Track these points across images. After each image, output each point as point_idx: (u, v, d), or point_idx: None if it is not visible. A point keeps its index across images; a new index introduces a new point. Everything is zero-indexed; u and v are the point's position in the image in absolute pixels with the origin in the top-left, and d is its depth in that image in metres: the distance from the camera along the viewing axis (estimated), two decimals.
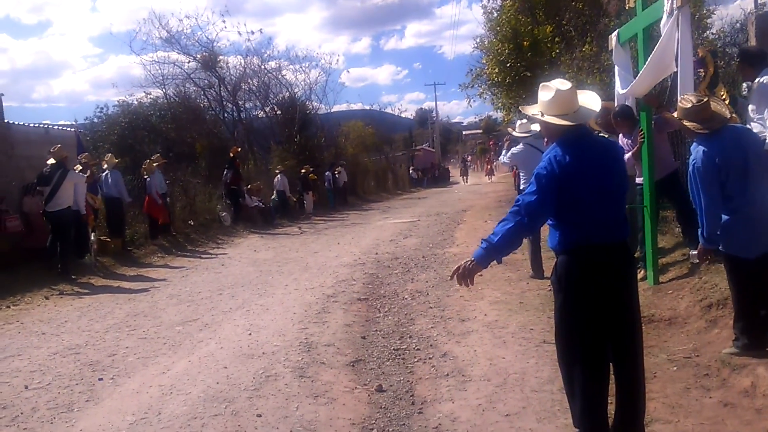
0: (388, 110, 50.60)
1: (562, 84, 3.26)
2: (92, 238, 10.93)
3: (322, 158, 27.05)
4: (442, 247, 11.46)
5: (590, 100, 3.33)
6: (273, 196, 19.83)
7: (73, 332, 6.72)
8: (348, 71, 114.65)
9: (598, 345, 3.17)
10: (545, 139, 5.47)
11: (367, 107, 45.38)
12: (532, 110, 3.45)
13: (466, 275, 3.18)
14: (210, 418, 4.18)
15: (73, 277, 9.73)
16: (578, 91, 3.34)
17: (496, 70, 14.75)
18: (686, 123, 4.32)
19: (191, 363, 5.40)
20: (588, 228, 3.16)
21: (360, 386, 4.75)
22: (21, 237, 10.47)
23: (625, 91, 6.44)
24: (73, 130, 13.33)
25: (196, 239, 14.30)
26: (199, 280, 9.66)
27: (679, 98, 5.12)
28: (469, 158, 66.99)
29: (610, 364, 3.25)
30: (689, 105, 4.30)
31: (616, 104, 6.98)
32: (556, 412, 3.90)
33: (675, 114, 4.59)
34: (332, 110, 33.10)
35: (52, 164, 9.69)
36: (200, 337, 6.25)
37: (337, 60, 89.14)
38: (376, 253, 11.16)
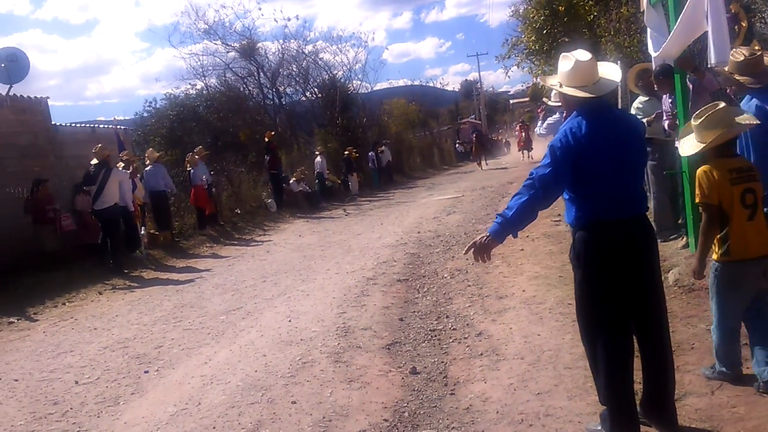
0: (432, 84, 50.19)
1: (582, 55, 3.18)
2: (142, 232, 11.30)
3: (365, 138, 27.08)
4: (484, 222, 11.36)
5: (611, 72, 3.24)
6: (316, 179, 20.01)
7: (123, 326, 6.98)
8: (387, 48, 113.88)
9: (620, 320, 3.12)
10: (564, 111, 5.35)
11: (411, 83, 45.24)
12: (551, 81, 3.38)
13: (482, 251, 3.15)
14: (247, 407, 4.30)
15: (125, 271, 10.10)
16: (599, 63, 3.25)
17: (533, 38, 14.42)
18: (737, 77, 4.13)
19: (232, 352, 5.54)
20: (605, 203, 3.09)
21: (394, 369, 4.80)
22: (75, 234, 10.91)
23: (657, 53, 6.20)
24: (113, 127, 13.72)
25: (243, 227, 14.58)
26: (244, 268, 9.86)
27: (709, 57, 4.92)
28: (517, 127, 65.10)
29: (634, 338, 3.21)
30: (741, 58, 4.10)
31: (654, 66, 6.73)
32: (588, 389, 3.84)
33: (726, 68, 4.37)
34: (375, 89, 33.04)
35: (95, 164, 10.04)
36: (242, 325, 6.41)
37: (372, 38, 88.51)
38: (419, 232, 11.17)
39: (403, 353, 5.13)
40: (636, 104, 7.37)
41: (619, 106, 10.67)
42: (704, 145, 3.41)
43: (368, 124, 28.91)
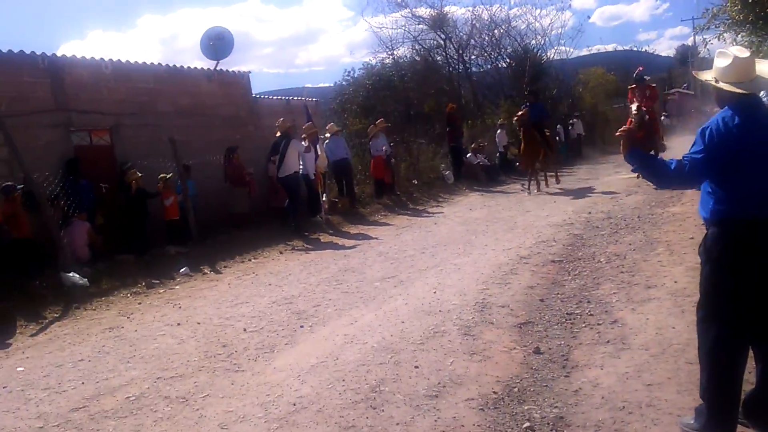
0: (643, 49, 46.83)
1: (740, 51, 3.16)
2: (323, 198, 12.35)
3: (554, 110, 26.32)
4: (665, 205, 10.74)
5: None
6: (497, 152, 19.98)
7: (293, 284, 7.85)
8: (589, 16, 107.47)
9: (737, 320, 3.08)
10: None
11: (619, 48, 42.67)
12: (705, 76, 3.35)
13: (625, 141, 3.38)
14: (375, 366, 4.76)
15: (305, 233, 11.17)
16: (757, 60, 3.19)
17: (737, 8, 12.99)
18: None
19: (376, 316, 6.05)
20: (744, 199, 3.04)
21: (519, 347, 4.96)
22: (267, 198, 12.27)
23: None
24: (302, 99, 14.99)
25: (418, 198, 15.17)
26: (409, 238, 10.40)
27: None
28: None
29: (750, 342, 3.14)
30: None
31: None
32: None
33: None
34: (579, 54, 31.87)
35: (279, 136, 11.18)
36: (392, 293, 6.90)
37: (570, 4, 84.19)
38: (589, 212, 10.89)
39: (532, 333, 5.26)
40: None
41: None
42: None
43: (558, 96, 27.98)
